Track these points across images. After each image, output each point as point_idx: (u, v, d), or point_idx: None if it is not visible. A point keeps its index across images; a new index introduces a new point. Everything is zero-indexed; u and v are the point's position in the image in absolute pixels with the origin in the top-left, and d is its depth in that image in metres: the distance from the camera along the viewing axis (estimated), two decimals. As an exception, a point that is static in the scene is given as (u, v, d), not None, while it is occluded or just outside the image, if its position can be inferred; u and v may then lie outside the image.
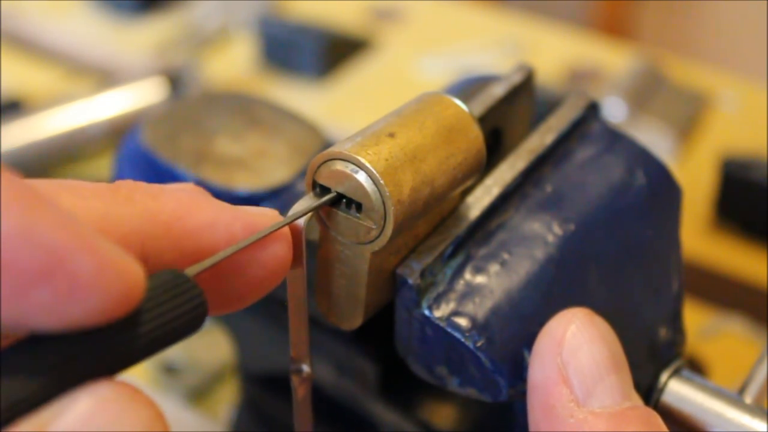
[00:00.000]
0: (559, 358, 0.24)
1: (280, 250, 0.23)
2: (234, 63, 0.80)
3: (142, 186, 0.21)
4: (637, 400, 0.25)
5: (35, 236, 0.17)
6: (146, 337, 0.19)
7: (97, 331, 0.18)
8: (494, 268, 0.27)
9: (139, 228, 0.20)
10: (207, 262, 0.21)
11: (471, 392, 0.26)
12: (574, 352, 0.24)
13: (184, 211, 0.21)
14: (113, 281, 0.17)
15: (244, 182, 0.33)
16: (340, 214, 0.25)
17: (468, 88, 0.34)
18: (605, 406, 0.24)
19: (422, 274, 0.26)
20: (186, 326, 0.20)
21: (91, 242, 0.17)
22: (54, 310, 0.17)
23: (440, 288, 0.26)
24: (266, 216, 0.23)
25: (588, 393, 0.24)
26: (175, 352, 0.48)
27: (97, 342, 0.18)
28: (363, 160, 0.23)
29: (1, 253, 0.16)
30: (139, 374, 0.49)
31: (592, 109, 0.32)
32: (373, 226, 0.24)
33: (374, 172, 0.23)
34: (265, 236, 0.22)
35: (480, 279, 0.26)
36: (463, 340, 0.25)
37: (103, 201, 0.20)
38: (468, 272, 0.26)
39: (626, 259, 0.29)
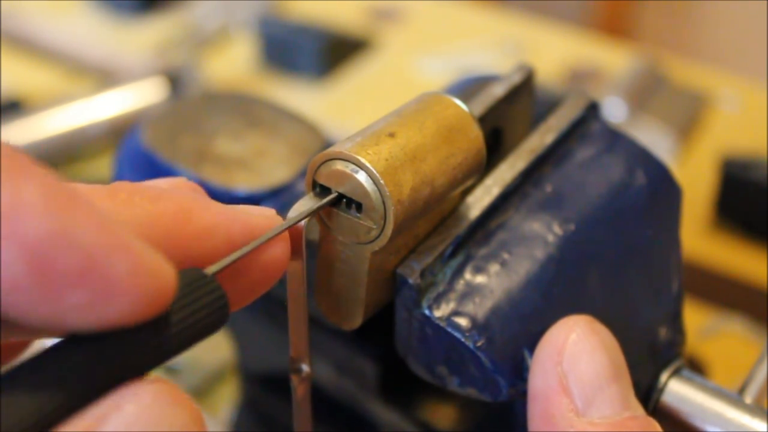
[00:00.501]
0: (559, 367, 0.24)
1: (279, 251, 0.23)
2: (234, 63, 0.80)
3: (140, 188, 0.21)
4: (636, 408, 0.25)
5: (72, 238, 0.16)
6: (176, 335, 0.19)
7: (131, 331, 0.18)
8: (494, 268, 0.27)
9: (139, 232, 0.20)
10: (224, 262, 0.21)
11: (471, 392, 0.26)
12: (575, 361, 0.24)
13: (184, 215, 0.21)
14: (147, 281, 0.17)
15: (244, 182, 0.33)
16: (341, 214, 0.25)
17: (468, 88, 0.34)
18: (605, 416, 0.24)
19: (422, 274, 0.26)
20: (211, 324, 0.20)
21: (126, 242, 0.17)
22: (90, 311, 0.17)
23: (440, 288, 0.26)
24: (264, 216, 0.23)
25: (588, 403, 0.24)
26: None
27: (131, 341, 0.18)
28: (363, 160, 0.23)
29: (39, 256, 0.16)
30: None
31: (592, 109, 0.32)
32: (373, 226, 0.24)
33: (374, 171, 0.23)
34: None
35: (480, 279, 0.26)
36: (463, 339, 0.25)
37: (100, 204, 0.20)
38: (468, 272, 0.26)
39: (626, 259, 0.29)
